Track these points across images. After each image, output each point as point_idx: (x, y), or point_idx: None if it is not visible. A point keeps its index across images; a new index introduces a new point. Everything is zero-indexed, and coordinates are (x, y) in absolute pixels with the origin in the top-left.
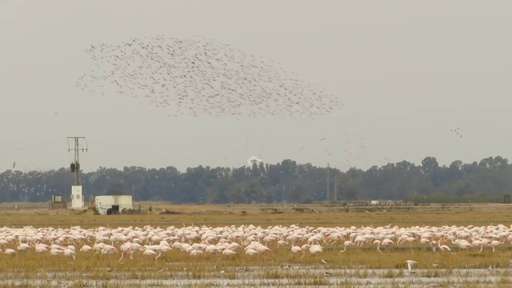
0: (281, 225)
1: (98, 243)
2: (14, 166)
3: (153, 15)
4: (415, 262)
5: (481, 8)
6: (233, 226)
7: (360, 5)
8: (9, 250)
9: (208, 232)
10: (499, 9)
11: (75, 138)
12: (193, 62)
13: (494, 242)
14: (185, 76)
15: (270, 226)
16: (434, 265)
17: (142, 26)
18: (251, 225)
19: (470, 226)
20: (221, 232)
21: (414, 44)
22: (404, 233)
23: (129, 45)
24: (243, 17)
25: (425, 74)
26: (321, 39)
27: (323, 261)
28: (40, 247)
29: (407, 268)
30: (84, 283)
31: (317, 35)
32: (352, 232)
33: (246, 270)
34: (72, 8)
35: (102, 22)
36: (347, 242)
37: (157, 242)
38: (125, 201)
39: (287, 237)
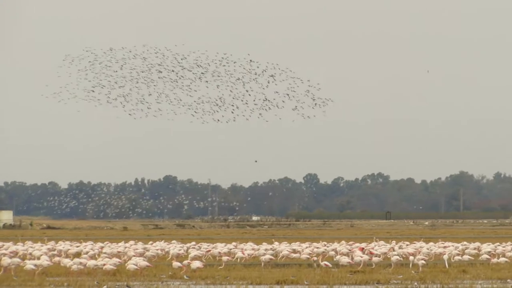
0: (163, 241)
1: None
2: None
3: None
4: None
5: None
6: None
7: (359, 8)
8: None
9: (89, 247)
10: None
11: None
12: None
13: (375, 259)
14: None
15: (151, 242)
16: (306, 282)
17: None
18: (131, 241)
19: (351, 242)
20: (101, 247)
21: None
22: (285, 249)
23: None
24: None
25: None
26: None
27: (185, 277)
28: None
29: None
30: None
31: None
32: (233, 248)
33: (127, 286)
34: None
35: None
36: (225, 258)
37: (37, 257)
38: (6, 216)
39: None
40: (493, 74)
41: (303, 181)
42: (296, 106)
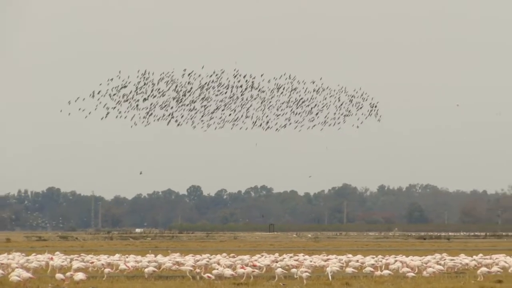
0: (46, 252)
1: None
2: None
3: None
4: None
5: None
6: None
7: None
8: None
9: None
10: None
11: None
12: None
13: (257, 271)
14: None
15: (34, 254)
16: None
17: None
18: (17, 252)
19: (232, 254)
20: None
21: None
22: (167, 261)
23: None
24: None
25: None
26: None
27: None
28: None
29: None
30: None
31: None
32: (117, 260)
33: None
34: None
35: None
36: (106, 270)
37: None
38: None
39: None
40: (380, 90)
41: (186, 193)
42: (185, 118)
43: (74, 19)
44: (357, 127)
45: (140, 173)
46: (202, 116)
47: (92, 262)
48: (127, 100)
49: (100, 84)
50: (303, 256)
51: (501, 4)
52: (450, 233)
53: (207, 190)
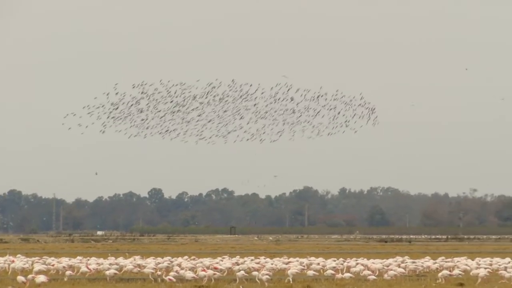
0: (7, 255)
1: None
2: None
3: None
4: None
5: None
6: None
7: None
8: None
9: None
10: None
11: None
12: None
13: (218, 274)
14: None
15: None
16: None
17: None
18: None
19: (192, 257)
20: None
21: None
22: (128, 264)
23: None
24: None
25: None
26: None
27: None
28: None
29: None
30: None
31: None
32: (78, 263)
33: None
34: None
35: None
36: (68, 273)
37: None
38: None
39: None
40: (378, 91)
41: (147, 196)
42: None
43: (74, 19)
44: (355, 131)
45: (96, 174)
46: (195, 127)
47: (53, 265)
48: (121, 114)
49: (95, 98)
50: (265, 259)
51: (501, 4)
52: (411, 236)
53: (168, 193)
